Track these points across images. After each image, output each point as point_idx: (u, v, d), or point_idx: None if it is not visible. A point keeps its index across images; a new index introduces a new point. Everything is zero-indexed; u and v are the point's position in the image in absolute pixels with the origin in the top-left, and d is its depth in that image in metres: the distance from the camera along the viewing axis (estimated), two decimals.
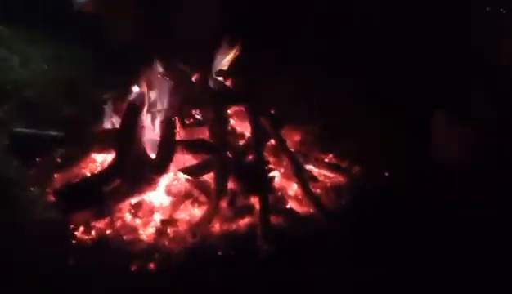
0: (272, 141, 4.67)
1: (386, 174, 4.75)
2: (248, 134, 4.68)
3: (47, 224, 3.93)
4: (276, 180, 4.50)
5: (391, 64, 5.20)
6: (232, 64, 4.89)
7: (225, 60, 4.88)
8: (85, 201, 4.06)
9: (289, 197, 4.44)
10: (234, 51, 4.85)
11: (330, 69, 5.12)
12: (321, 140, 4.88)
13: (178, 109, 4.55)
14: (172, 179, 4.36)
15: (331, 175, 4.71)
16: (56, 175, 4.38)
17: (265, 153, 4.55)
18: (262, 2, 5.03)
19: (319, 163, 4.76)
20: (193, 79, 4.78)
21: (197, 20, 4.77)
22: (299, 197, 4.42)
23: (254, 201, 4.21)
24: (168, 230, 4.00)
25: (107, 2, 4.86)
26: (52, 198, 4.12)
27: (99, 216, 4.04)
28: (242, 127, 4.79)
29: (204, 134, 4.54)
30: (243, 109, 4.72)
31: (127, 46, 4.80)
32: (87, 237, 3.93)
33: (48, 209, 4.05)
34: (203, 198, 4.23)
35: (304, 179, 4.47)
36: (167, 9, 4.81)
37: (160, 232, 3.98)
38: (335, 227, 4.12)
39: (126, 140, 4.32)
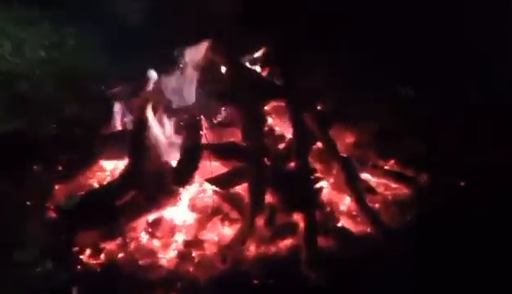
0: (319, 144, 4.56)
1: (461, 184, 4.61)
2: (289, 135, 4.57)
3: (46, 245, 3.88)
4: (325, 192, 4.40)
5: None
6: (270, 51, 4.83)
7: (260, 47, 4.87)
8: (92, 218, 4.02)
9: (341, 213, 4.33)
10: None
11: (390, 55, 5.08)
12: (380, 142, 4.78)
13: (204, 105, 4.50)
14: (198, 191, 4.30)
15: (393, 185, 4.58)
16: (57, 187, 4.36)
17: (310, 159, 4.45)
18: None
19: (378, 171, 4.64)
20: (222, 69, 4.72)
21: None
22: (353, 213, 4.31)
23: (298, 218, 4.11)
24: (193, 254, 3.93)
25: None
26: (53, 214, 4.10)
27: (109, 236, 4.00)
28: (282, 127, 4.69)
29: (235, 136, 4.46)
30: (283, 104, 4.62)
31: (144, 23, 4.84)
32: (94, 261, 3.89)
33: (48, 227, 4.02)
34: (234, 215, 4.14)
35: (359, 190, 4.35)
36: None
37: (183, 256, 3.91)
38: (398, 250, 3.97)
39: (141, 144, 4.28)
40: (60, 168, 4.43)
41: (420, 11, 5.47)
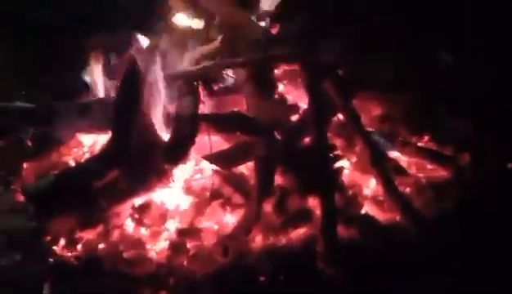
0: (340, 116, 4.59)
1: (509, 166, 4.64)
2: (304, 105, 4.60)
3: (14, 234, 3.95)
4: (346, 172, 4.43)
5: None
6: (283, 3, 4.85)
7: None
8: (68, 202, 4.05)
9: (365, 198, 4.36)
10: None
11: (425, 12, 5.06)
12: (412, 115, 4.78)
13: (202, 68, 4.53)
14: (194, 171, 4.36)
15: (427, 165, 4.61)
16: (26, 166, 4.42)
17: (329, 134, 4.48)
18: None
19: (409, 148, 4.67)
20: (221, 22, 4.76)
21: None
22: (379, 197, 4.33)
23: (314, 203, 4.14)
24: (188, 245, 3.97)
25: None
26: (22, 198, 4.15)
27: (87, 223, 4.05)
28: (295, 96, 4.73)
29: (239, 105, 4.51)
30: (297, 68, 4.65)
31: None
32: (70, 253, 3.95)
33: (16, 213, 4.09)
34: (238, 199, 4.19)
35: (387, 171, 4.35)
36: None
37: (176, 247, 3.95)
38: (432, 243, 4.00)
39: (126, 113, 4.28)
40: (29, 143, 4.41)
41: None
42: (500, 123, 4.80)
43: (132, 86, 4.30)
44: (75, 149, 4.58)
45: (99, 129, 4.48)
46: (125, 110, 4.29)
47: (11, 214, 4.12)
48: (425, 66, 5.03)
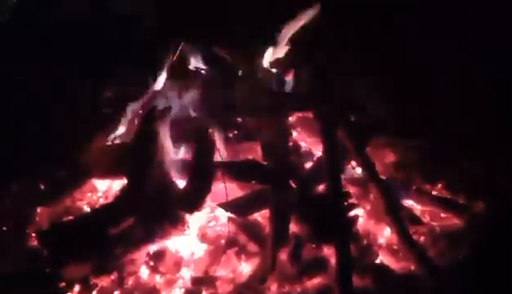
0: (354, 164, 4.62)
1: None
2: (319, 153, 4.63)
3: (27, 280, 3.96)
4: (361, 221, 4.44)
5: None
6: (294, 51, 4.88)
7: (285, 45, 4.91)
8: (82, 248, 4.04)
9: (380, 246, 4.36)
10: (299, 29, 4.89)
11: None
12: (427, 162, 4.79)
13: (218, 116, 4.55)
14: (209, 218, 4.35)
15: (442, 214, 4.60)
16: (39, 210, 4.42)
17: (344, 182, 4.47)
18: None
19: (424, 197, 4.66)
20: (239, 72, 4.79)
21: None
22: (394, 246, 4.33)
23: (329, 252, 4.15)
24: (203, 293, 3.97)
25: None
26: (36, 243, 4.15)
27: (102, 269, 4.03)
28: (310, 143, 4.75)
29: (254, 153, 4.51)
30: (311, 115, 4.68)
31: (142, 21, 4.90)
32: None
33: (30, 259, 4.08)
34: (253, 248, 4.19)
35: (401, 220, 4.35)
36: None
37: None
38: (447, 293, 4.03)
39: (142, 160, 4.28)
40: (42, 186, 4.40)
41: None
42: None
43: (148, 132, 4.29)
44: (89, 194, 4.52)
45: (114, 175, 4.41)
46: (141, 157, 4.27)
47: (24, 260, 4.07)
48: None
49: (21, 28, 5.16)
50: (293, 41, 4.95)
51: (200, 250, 4.22)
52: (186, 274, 4.10)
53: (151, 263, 4.11)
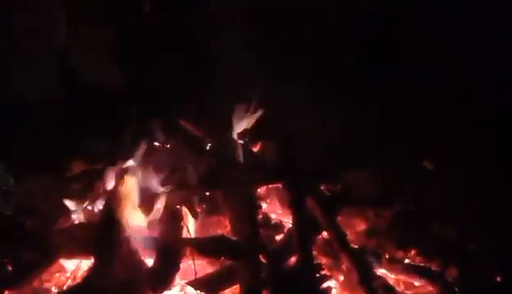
0: (325, 234, 4.59)
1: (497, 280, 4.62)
2: (288, 224, 4.61)
3: None
4: (334, 293, 4.39)
5: None
6: (261, 122, 4.91)
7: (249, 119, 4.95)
8: None
9: None
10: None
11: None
12: (398, 229, 4.80)
13: (185, 190, 4.53)
14: None
15: (416, 282, 4.59)
16: (6, 293, 4.36)
17: (314, 253, 4.46)
18: None
19: (396, 265, 4.64)
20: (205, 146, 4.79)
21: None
22: None
23: None
24: None
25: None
26: None
27: None
28: (280, 214, 4.74)
29: (223, 228, 4.50)
30: (279, 186, 4.68)
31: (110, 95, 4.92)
32: None
33: None
34: None
35: (375, 290, 4.32)
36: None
37: None
38: None
39: (109, 239, 4.25)
40: (9, 269, 4.34)
41: None
42: (487, 230, 4.79)
43: (116, 212, 4.28)
44: (57, 275, 4.46)
45: (81, 255, 4.36)
46: (108, 236, 4.24)
47: None
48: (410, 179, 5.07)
49: None
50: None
51: None
52: None
53: None
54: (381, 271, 4.61)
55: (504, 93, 5.75)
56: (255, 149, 4.91)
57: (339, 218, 4.67)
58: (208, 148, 4.87)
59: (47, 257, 4.50)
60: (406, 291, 4.54)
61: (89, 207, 4.73)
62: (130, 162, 4.66)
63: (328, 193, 4.83)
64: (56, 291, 4.42)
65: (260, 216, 4.64)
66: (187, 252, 4.27)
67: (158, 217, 4.46)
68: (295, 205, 4.51)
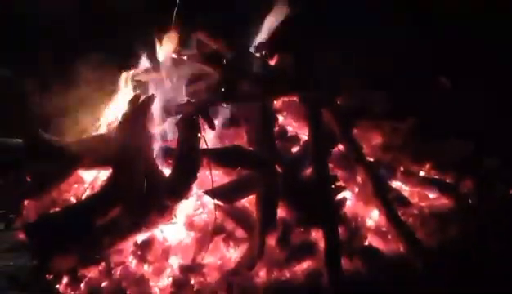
0: (341, 147, 4.60)
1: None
2: (305, 137, 4.61)
3: (14, 273, 3.97)
4: (349, 204, 4.42)
5: None
6: (279, 35, 4.86)
7: (267, 30, 4.89)
8: (69, 239, 4.03)
9: (368, 229, 4.35)
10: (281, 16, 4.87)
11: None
12: (413, 143, 4.78)
13: (203, 102, 4.53)
14: (196, 206, 4.33)
15: (430, 195, 4.61)
16: (26, 203, 4.41)
17: (330, 165, 4.46)
18: None
19: (411, 178, 4.66)
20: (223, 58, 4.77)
21: None
22: (383, 229, 4.33)
23: (317, 236, 4.14)
24: (192, 281, 3.94)
25: None
26: (22, 236, 4.14)
27: (90, 261, 4.03)
28: (296, 128, 4.74)
29: (240, 139, 4.51)
30: (296, 99, 4.67)
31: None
32: (73, 292, 3.93)
33: (16, 252, 4.08)
34: (241, 234, 4.17)
35: (389, 202, 4.37)
36: None
37: (180, 283, 3.93)
38: (437, 275, 4.01)
39: (127, 150, 4.29)
40: (28, 179, 4.38)
41: None
42: (503, 147, 4.76)
43: (135, 122, 4.30)
44: (76, 186, 4.51)
45: (100, 165, 4.38)
46: (127, 147, 4.26)
47: (11, 253, 4.06)
48: (424, 92, 5.02)
49: None
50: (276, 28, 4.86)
51: (188, 238, 4.18)
52: (174, 263, 4.06)
53: (139, 252, 4.07)
54: (396, 184, 4.61)
55: None
56: (272, 62, 4.82)
57: (355, 131, 4.64)
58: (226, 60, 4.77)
59: (65, 168, 4.49)
60: (421, 203, 4.53)
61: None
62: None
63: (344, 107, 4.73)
64: (74, 200, 4.44)
65: (276, 129, 4.60)
66: (204, 162, 4.26)
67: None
68: (311, 118, 4.47)
